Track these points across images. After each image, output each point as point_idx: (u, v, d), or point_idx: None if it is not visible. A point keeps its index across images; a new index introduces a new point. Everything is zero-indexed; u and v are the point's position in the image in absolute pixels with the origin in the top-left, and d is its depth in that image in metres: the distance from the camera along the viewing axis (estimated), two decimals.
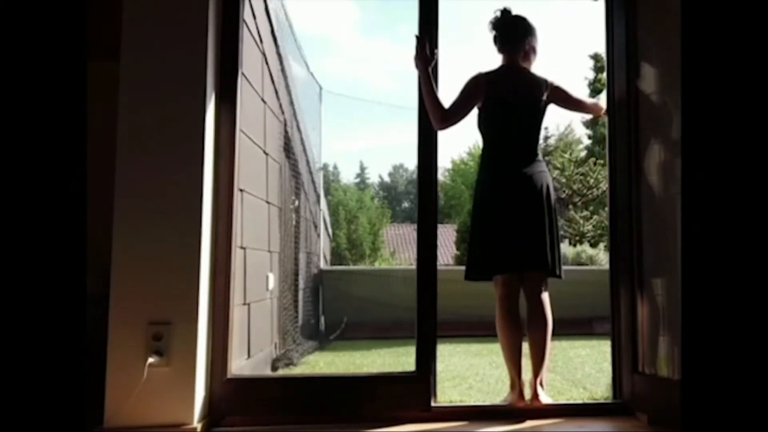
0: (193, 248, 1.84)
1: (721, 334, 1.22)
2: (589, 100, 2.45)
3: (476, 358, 3.73)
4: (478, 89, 2.23)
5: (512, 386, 2.14)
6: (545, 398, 2.10)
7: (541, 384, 2.10)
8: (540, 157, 2.26)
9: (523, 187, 2.16)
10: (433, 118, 2.14)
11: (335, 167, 27.92)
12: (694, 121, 1.32)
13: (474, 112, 2.25)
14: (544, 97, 2.26)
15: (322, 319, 5.71)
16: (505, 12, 2.32)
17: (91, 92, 1.41)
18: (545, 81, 2.28)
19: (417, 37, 2.15)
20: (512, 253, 2.15)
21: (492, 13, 2.33)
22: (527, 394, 2.11)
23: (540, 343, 2.13)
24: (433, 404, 2.00)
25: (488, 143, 2.29)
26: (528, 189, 2.16)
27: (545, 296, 2.18)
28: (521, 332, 2.15)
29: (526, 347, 2.17)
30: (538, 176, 2.19)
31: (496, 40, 2.33)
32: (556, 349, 3.96)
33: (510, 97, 2.24)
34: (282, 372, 3.30)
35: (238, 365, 2.26)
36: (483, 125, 2.28)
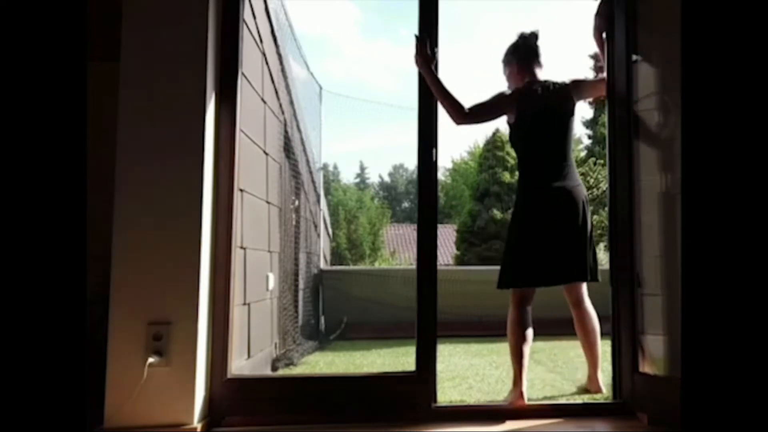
0: (193, 248, 1.84)
1: (722, 334, 1.22)
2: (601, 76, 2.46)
3: (476, 358, 3.73)
4: (508, 104, 2.35)
5: (515, 383, 2.20)
6: (602, 386, 2.35)
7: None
8: (574, 165, 2.38)
9: (563, 202, 2.29)
10: (452, 113, 2.21)
11: (335, 167, 27.95)
12: (694, 121, 1.32)
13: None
14: (573, 99, 2.38)
15: (322, 319, 5.70)
16: (532, 35, 2.46)
17: (91, 92, 1.41)
18: (566, 84, 2.41)
19: (416, 36, 2.15)
20: (557, 267, 2.29)
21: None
22: (586, 385, 2.40)
23: (594, 343, 2.37)
24: (433, 404, 2.01)
25: (526, 158, 2.40)
26: (568, 205, 2.30)
27: (588, 302, 2.37)
28: (529, 335, 2.27)
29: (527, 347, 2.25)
30: (576, 191, 2.31)
31: (523, 60, 2.44)
32: (556, 349, 3.96)
33: (544, 110, 2.34)
34: (282, 372, 3.29)
35: (238, 365, 2.26)
36: (519, 141, 2.41)
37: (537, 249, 2.28)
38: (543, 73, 2.46)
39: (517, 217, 2.36)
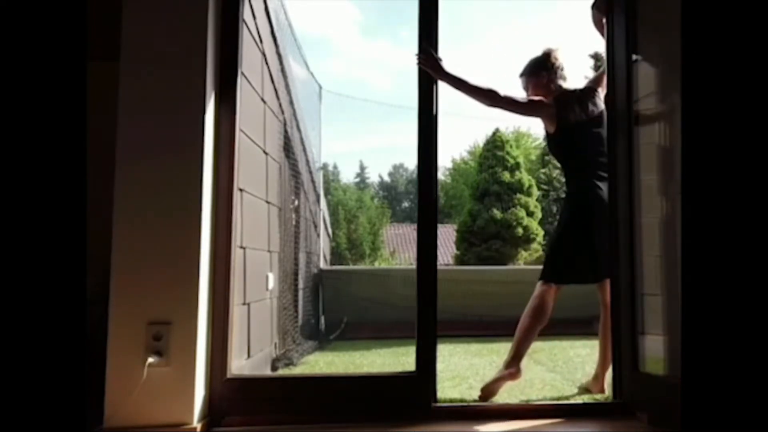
0: (193, 248, 1.84)
1: (722, 334, 1.22)
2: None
3: (476, 358, 3.73)
4: (546, 112, 2.45)
5: (514, 361, 2.34)
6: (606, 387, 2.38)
7: None
8: None
9: (606, 207, 2.34)
10: (484, 100, 2.35)
11: (335, 167, 28.01)
12: (694, 121, 1.32)
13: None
14: (601, 94, 2.48)
15: (322, 319, 5.70)
16: (558, 49, 2.57)
17: (91, 92, 1.41)
18: (591, 87, 2.53)
19: (422, 51, 2.14)
20: (594, 266, 2.39)
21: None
22: (589, 385, 2.47)
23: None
24: (433, 404, 2.01)
25: (571, 166, 2.52)
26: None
27: None
28: (544, 324, 2.40)
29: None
30: None
31: (552, 73, 2.54)
32: (556, 349, 3.96)
33: (584, 117, 2.44)
34: (282, 372, 3.29)
35: (238, 365, 2.26)
36: (565, 150, 2.52)
37: (577, 249, 2.42)
38: (567, 85, 2.57)
39: (563, 219, 2.53)
